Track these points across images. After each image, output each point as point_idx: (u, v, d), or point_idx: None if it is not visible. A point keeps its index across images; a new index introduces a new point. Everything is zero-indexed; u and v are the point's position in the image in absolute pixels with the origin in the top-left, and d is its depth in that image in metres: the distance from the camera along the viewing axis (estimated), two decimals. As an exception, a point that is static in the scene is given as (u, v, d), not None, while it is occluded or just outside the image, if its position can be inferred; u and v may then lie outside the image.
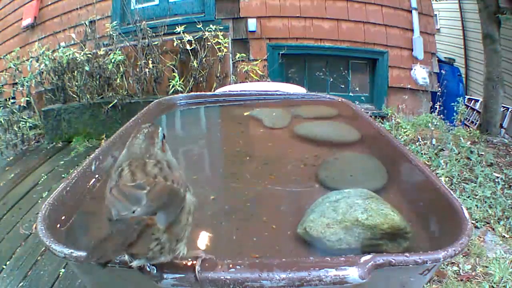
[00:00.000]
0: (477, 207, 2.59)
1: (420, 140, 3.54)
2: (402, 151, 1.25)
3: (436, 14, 7.35)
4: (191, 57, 4.07)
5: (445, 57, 6.02)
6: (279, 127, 1.80)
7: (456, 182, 2.91)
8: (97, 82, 4.14)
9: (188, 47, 4.01)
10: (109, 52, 4.09)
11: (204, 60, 4.09)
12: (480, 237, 2.33)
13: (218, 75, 4.15)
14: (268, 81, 4.04)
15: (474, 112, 6.60)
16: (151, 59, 4.06)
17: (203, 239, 0.98)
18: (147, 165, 0.69)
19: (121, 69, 4.10)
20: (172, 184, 0.66)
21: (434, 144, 3.47)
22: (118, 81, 4.10)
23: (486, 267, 2.07)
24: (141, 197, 0.62)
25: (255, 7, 4.50)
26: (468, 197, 2.70)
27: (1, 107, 4.33)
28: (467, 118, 6.43)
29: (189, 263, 0.71)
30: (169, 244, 0.64)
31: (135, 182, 0.64)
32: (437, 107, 3.85)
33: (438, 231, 0.92)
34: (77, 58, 4.07)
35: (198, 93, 2.72)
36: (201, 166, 1.48)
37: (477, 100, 6.75)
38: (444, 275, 2.03)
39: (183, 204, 0.67)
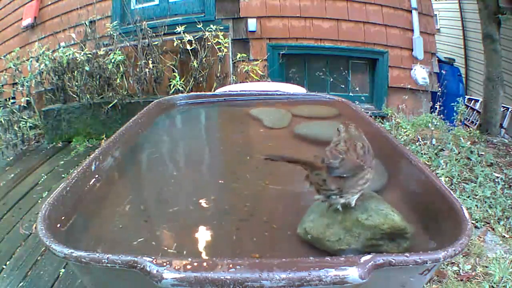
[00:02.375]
0: (477, 207, 2.59)
1: (420, 140, 3.54)
2: (402, 151, 1.25)
3: (436, 14, 7.35)
4: (191, 57, 4.07)
5: (445, 57, 6.02)
6: (279, 127, 1.80)
7: (456, 182, 2.91)
8: (97, 82, 4.14)
9: (188, 47, 4.01)
10: (109, 52, 4.09)
11: (204, 60, 4.09)
12: (480, 237, 2.33)
13: (218, 75, 4.15)
14: (268, 81, 4.04)
15: (474, 112, 6.60)
16: (151, 59, 4.06)
17: (204, 239, 0.98)
18: (357, 145, 0.97)
19: (121, 69, 4.10)
20: (357, 160, 0.94)
21: (434, 144, 3.47)
22: (118, 81, 4.10)
23: (486, 267, 2.07)
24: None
25: (255, 7, 4.50)
26: (468, 197, 2.70)
27: (1, 107, 4.33)
28: (467, 118, 6.43)
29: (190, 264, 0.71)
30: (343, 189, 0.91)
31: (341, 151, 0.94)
32: (437, 107, 3.85)
33: (438, 231, 0.92)
34: (77, 58, 4.07)
35: (198, 93, 2.72)
36: (201, 166, 1.48)
37: (477, 100, 6.75)
38: (444, 275, 2.03)
39: (358, 172, 0.92)
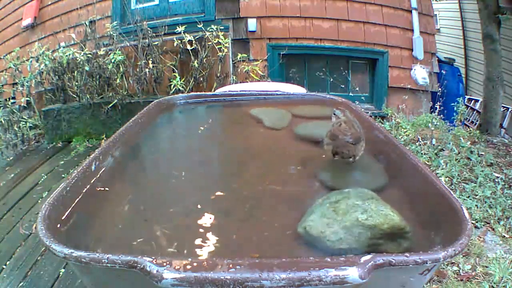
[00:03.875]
0: (477, 207, 2.59)
1: (420, 140, 3.54)
2: (402, 151, 1.25)
3: (436, 14, 7.36)
4: (192, 57, 4.07)
5: (445, 57, 6.02)
6: (279, 127, 1.80)
7: (456, 182, 2.91)
8: (97, 82, 4.14)
9: (188, 47, 4.01)
10: (109, 52, 4.09)
11: (204, 60, 4.09)
12: (480, 237, 2.33)
13: (219, 75, 4.15)
14: (268, 81, 4.05)
15: (474, 112, 6.60)
16: (151, 59, 4.06)
17: (204, 239, 0.98)
18: (354, 125, 1.34)
19: (121, 69, 4.10)
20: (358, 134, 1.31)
21: (434, 144, 3.47)
22: (118, 81, 4.10)
23: (486, 267, 2.07)
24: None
25: (255, 7, 4.50)
26: (468, 197, 2.70)
27: (1, 107, 4.33)
28: (467, 118, 6.44)
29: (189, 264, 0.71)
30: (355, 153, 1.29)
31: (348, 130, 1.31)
32: (437, 107, 3.85)
33: (438, 231, 0.92)
34: (77, 58, 4.07)
35: (198, 93, 2.72)
36: (201, 166, 1.48)
37: (477, 100, 6.76)
38: (444, 275, 2.03)
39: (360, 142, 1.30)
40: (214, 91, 3.53)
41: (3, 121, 4.20)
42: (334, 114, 1.40)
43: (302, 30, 4.58)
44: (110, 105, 4.04)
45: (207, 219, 1.06)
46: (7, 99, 4.38)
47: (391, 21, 4.64)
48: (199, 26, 4.08)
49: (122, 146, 1.43)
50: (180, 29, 4.05)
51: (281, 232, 1.00)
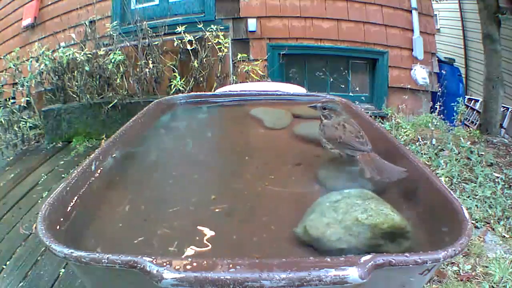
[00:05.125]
0: (477, 207, 2.59)
1: (420, 140, 3.54)
2: (402, 151, 1.25)
3: (436, 14, 7.36)
4: (192, 57, 4.08)
5: (445, 57, 6.02)
6: (279, 127, 1.80)
7: (456, 182, 2.91)
8: (97, 82, 4.15)
9: (188, 47, 4.02)
10: (109, 52, 4.09)
11: (204, 60, 4.10)
12: (480, 237, 2.33)
13: (219, 75, 4.15)
14: (268, 81, 4.05)
15: (474, 112, 6.60)
16: (151, 59, 4.06)
17: (204, 239, 0.98)
18: (354, 124, 1.30)
19: (121, 69, 4.10)
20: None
21: (434, 144, 3.47)
22: (118, 81, 4.11)
23: (486, 267, 2.07)
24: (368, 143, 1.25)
25: (255, 7, 4.50)
26: (468, 197, 2.70)
27: (1, 107, 4.33)
28: (467, 118, 6.44)
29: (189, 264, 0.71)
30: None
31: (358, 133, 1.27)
32: (437, 107, 3.85)
33: (438, 231, 0.92)
34: (77, 58, 4.07)
35: (198, 93, 2.72)
36: (201, 166, 1.47)
37: (477, 100, 6.75)
38: (444, 275, 2.03)
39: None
40: (214, 91, 3.53)
41: (3, 121, 4.20)
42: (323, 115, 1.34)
43: (302, 30, 4.58)
44: (110, 105, 4.04)
45: (207, 219, 1.06)
46: (7, 99, 4.38)
47: (391, 21, 4.64)
48: (199, 26, 4.08)
49: (122, 146, 1.43)
50: (180, 29, 4.05)
51: (281, 232, 1.00)
